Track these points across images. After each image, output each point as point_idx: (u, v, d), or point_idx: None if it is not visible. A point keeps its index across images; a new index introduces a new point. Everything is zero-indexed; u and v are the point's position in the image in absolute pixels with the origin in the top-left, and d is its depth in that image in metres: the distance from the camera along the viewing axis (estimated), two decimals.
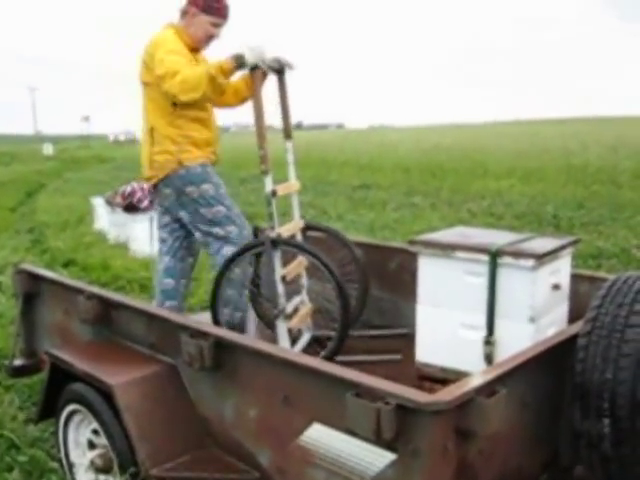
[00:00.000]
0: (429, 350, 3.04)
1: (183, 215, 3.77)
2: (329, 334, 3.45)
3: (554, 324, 2.93)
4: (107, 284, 6.79)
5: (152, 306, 3.09)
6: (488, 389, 1.92)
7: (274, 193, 3.31)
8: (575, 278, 3.17)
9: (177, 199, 3.73)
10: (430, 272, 3.03)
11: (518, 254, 2.76)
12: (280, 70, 3.60)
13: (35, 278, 3.60)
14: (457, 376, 2.72)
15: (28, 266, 3.71)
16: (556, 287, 2.90)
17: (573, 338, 2.36)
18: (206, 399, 2.59)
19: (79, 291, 3.17)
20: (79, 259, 8.07)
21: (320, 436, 2.12)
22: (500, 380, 2.01)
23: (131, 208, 8.77)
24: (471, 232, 3.31)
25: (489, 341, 2.85)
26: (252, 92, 3.40)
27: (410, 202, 12.81)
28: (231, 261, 3.48)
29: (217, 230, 3.72)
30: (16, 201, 15.59)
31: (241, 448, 2.45)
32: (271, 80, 3.62)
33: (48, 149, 44.17)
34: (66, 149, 51.79)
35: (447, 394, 1.84)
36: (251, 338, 2.82)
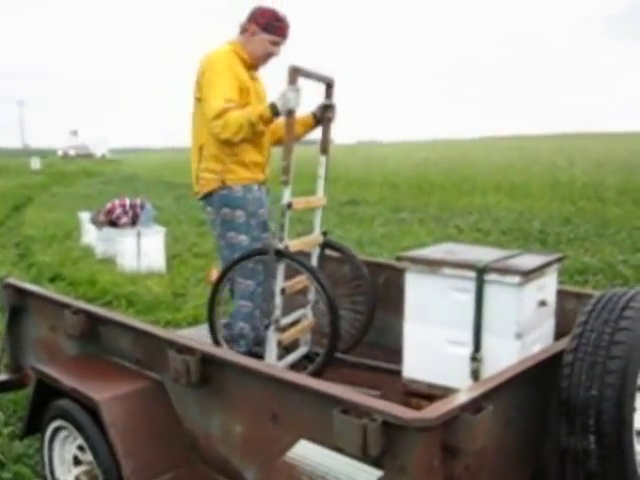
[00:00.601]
0: (416, 366, 3.04)
1: (215, 234, 3.83)
2: (319, 351, 3.46)
3: (540, 340, 2.94)
4: (94, 299, 6.77)
5: (138, 321, 3.08)
6: (474, 406, 1.92)
7: (289, 205, 3.33)
8: (561, 294, 3.19)
9: (215, 218, 3.76)
10: (417, 288, 3.04)
11: (504, 271, 2.77)
12: (329, 84, 3.67)
13: (21, 292, 3.59)
14: (444, 392, 2.72)
15: (14, 280, 3.69)
16: (542, 303, 2.92)
17: (559, 354, 2.37)
18: (192, 415, 2.58)
19: (65, 306, 3.16)
20: (66, 274, 8.05)
21: (307, 453, 2.11)
22: (486, 397, 2.01)
23: (112, 225, 8.79)
24: (458, 248, 3.32)
25: (476, 357, 2.85)
26: (298, 132, 3.65)
27: (398, 217, 12.84)
28: (233, 265, 3.52)
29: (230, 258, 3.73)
30: (3, 215, 15.52)
31: (228, 465, 2.44)
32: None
33: (36, 163, 43.99)
34: (54, 163, 51.63)
35: (433, 411, 1.84)
36: (236, 354, 2.80)
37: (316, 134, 3.85)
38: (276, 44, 3.72)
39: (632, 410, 2.26)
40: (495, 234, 10.52)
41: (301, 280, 3.56)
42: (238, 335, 3.73)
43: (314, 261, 3.81)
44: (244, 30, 3.72)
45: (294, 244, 3.41)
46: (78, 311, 3.07)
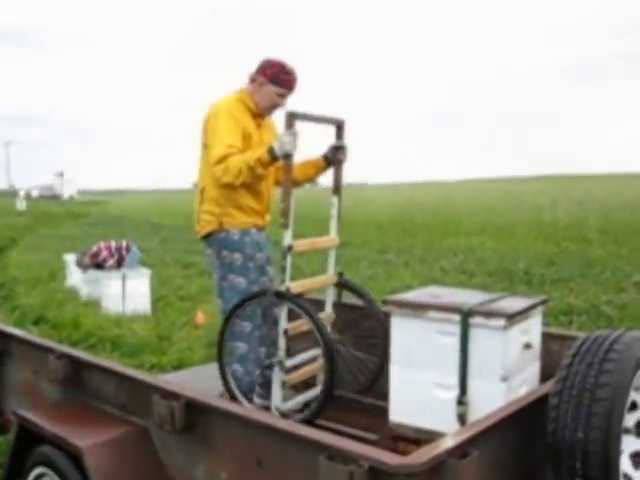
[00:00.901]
0: (403, 410, 3.03)
1: (216, 276, 3.85)
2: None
3: (526, 383, 2.94)
4: (78, 342, 6.73)
5: (122, 366, 3.06)
6: (460, 451, 1.92)
7: (290, 248, 3.36)
8: (546, 337, 3.20)
9: (215, 260, 3.82)
10: (403, 332, 3.04)
11: (489, 314, 2.78)
12: (339, 125, 3.70)
13: (4, 336, 3.56)
14: (431, 436, 2.71)
15: None
16: (527, 346, 2.93)
17: (545, 397, 2.38)
18: (177, 461, 2.55)
19: (49, 350, 3.13)
20: (50, 316, 8.00)
21: None
22: (472, 441, 2.01)
23: (98, 267, 8.76)
24: (443, 292, 3.33)
25: (462, 401, 2.85)
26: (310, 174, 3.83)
27: (384, 259, 12.86)
28: (235, 310, 3.52)
29: (235, 300, 3.71)
30: None
31: None
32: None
33: (21, 204, 43.90)
34: (39, 204, 51.52)
35: (419, 456, 1.84)
36: (222, 400, 2.79)
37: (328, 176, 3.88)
38: (282, 96, 3.79)
39: (618, 452, 2.26)
40: (480, 275, 10.55)
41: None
42: (231, 376, 3.71)
43: (329, 302, 3.81)
44: (252, 80, 3.80)
45: (296, 286, 3.40)
46: (62, 356, 3.04)
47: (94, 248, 8.84)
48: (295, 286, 3.39)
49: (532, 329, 3.01)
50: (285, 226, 3.34)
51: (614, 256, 11.74)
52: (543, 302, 3.12)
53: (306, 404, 3.50)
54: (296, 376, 3.48)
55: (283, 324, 3.37)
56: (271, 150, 3.41)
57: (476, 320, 2.80)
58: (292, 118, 3.34)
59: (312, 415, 3.28)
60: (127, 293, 8.45)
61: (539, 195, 24.67)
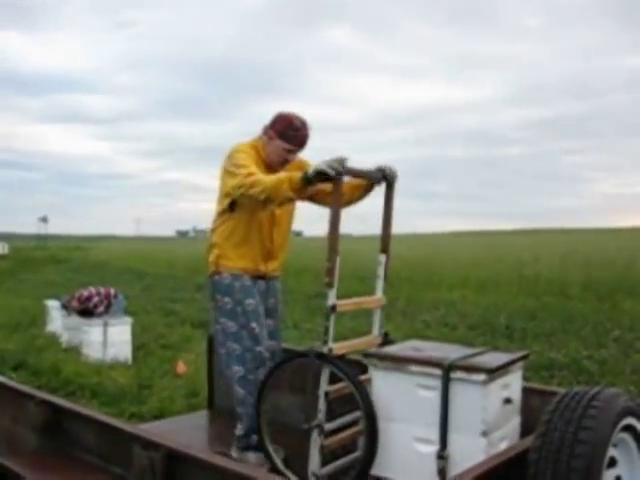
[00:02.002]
0: (383, 463, 3.03)
1: (212, 318, 3.88)
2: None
3: (506, 438, 2.96)
4: (57, 389, 6.65)
5: (102, 414, 3.04)
6: None
7: (334, 308, 3.22)
8: (526, 392, 3.22)
9: (211, 302, 3.86)
10: (384, 385, 3.06)
11: (470, 369, 2.81)
12: (391, 179, 3.60)
13: None
14: None
15: None
16: (508, 401, 2.94)
17: (525, 452, 2.39)
18: None
19: (29, 397, 3.12)
20: (30, 362, 7.90)
21: None
22: None
23: (86, 313, 8.69)
24: (424, 345, 3.36)
25: (442, 455, 2.85)
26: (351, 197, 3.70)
27: (366, 311, 12.81)
28: (276, 369, 3.44)
29: (229, 344, 3.75)
30: None
31: None
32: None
33: (3, 248, 43.65)
34: (21, 248, 51.22)
35: None
36: (204, 451, 2.77)
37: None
38: (291, 152, 3.77)
39: None
40: (462, 329, 10.57)
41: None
42: (239, 402, 3.73)
43: None
44: (265, 133, 3.80)
45: (339, 347, 3.27)
46: (41, 402, 3.03)
47: (85, 293, 8.77)
48: (338, 347, 3.26)
49: (513, 384, 3.03)
50: (330, 285, 3.21)
51: (595, 311, 11.80)
52: (524, 357, 3.15)
53: (344, 470, 3.30)
54: (336, 440, 3.30)
55: (324, 386, 3.24)
56: (306, 173, 3.30)
57: (457, 374, 2.83)
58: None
59: None
60: (108, 340, 8.38)
61: (521, 249, 24.84)
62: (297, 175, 3.33)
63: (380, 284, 3.68)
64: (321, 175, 3.23)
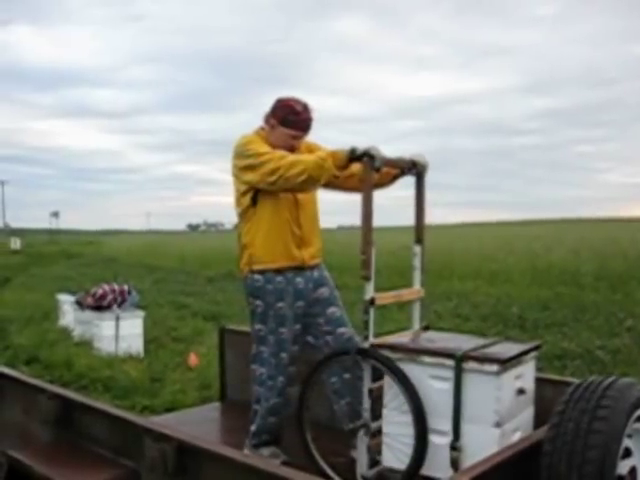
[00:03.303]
0: (395, 455, 3.02)
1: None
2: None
3: (520, 429, 2.93)
4: (69, 383, 6.69)
5: (114, 408, 3.04)
6: None
7: (372, 302, 3.12)
8: (540, 382, 3.19)
9: (247, 303, 3.74)
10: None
11: (483, 359, 2.78)
12: (421, 169, 3.48)
13: None
14: None
15: None
16: (521, 392, 2.92)
17: (538, 444, 2.37)
18: None
19: (40, 390, 3.12)
20: (42, 356, 7.96)
21: None
22: None
23: (99, 309, 8.74)
24: (437, 336, 3.34)
25: (455, 447, 2.83)
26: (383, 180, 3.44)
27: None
28: (318, 367, 3.32)
29: (254, 346, 3.69)
30: None
31: None
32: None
33: (16, 243, 43.93)
34: (33, 243, 51.47)
35: None
36: (213, 443, 2.75)
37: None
38: (296, 138, 3.61)
39: None
40: (474, 320, 10.55)
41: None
42: (255, 399, 3.70)
43: None
44: (266, 122, 3.67)
45: (383, 341, 3.16)
46: (53, 396, 3.03)
47: (99, 290, 8.83)
48: (382, 341, 3.14)
49: (526, 374, 3.00)
50: (367, 278, 3.09)
51: (608, 301, 11.76)
52: (537, 347, 3.12)
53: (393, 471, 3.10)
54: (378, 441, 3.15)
55: (367, 384, 3.11)
56: (352, 149, 3.16)
57: (470, 365, 2.80)
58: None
59: None
60: (120, 334, 8.42)
61: (533, 240, 24.76)
62: (341, 151, 3.22)
63: (417, 275, 3.56)
64: (364, 157, 3.11)
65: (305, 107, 3.60)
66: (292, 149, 3.59)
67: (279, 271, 3.60)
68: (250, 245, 3.63)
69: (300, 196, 3.62)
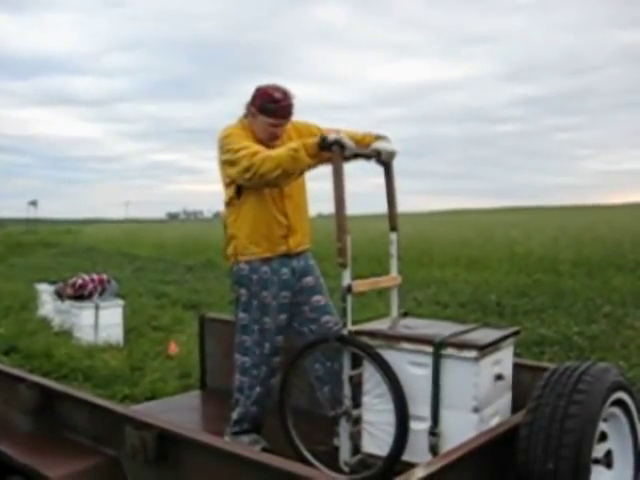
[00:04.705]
0: (374, 441, 3.04)
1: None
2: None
3: (498, 414, 2.96)
4: (50, 373, 6.65)
5: (94, 396, 3.04)
6: None
7: (349, 289, 3.12)
8: (517, 368, 3.22)
9: (231, 291, 3.75)
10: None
11: (461, 345, 2.81)
12: (386, 160, 3.51)
13: None
14: (403, 467, 2.71)
15: None
16: (499, 377, 2.95)
17: (516, 428, 2.40)
18: None
19: (20, 380, 3.11)
20: (22, 346, 7.90)
21: None
22: (443, 471, 2.03)
23: (79, 299, 8.69)
24: (415, 323, 3.36)
25: (434, 432, 2.86)
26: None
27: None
28: (299, 355, 3.31)
29: (238, 335, 3.68)
30: None
31: None
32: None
33: None
34: (11, 233, 51.02)
35: None
36: (196, 431, 2.76)
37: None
38: (275, 126, 3.57)
39: None
40: (453, 307, 10.61)
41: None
42: (237, 388, 3.69)
43: None
44: (248, 110, 3.64)
45: (362, 328, 3.18)
46: (33, 385, 3.02)
47: (79, 281, 8.78)
48: (357, 330, 3.16)
49: (504, 360, 3.04)
50: (343, 265, 3.11)
51: (586, 288, 11.85)
52: (515, 333, 3.15)
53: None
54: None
55: (347, 371, 3.15)
56: (322, 138, 3.18)
57: (448, 351, 2.82)
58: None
59: (380, 473, 2.96)
60: (100, 323, 8.39)
61: (513, 227, 24.88)
62: (311, 140, 3.25)
63: (394, 263, 3.61)
64: (335, 145, 3.13)
65: (285, 94, 3.56)
66: (274, 137, 3.58)
67: (265, 261, 3.60)
68: (236, 236, 3.63)
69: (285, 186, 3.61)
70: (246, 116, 3.67)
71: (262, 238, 3.59)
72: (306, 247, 3.80)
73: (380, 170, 3.58)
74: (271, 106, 3.52)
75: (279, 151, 3.31)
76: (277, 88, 3.57)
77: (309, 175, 3.63)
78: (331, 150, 3.16)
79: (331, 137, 3.16)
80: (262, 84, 3.62)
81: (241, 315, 3.66)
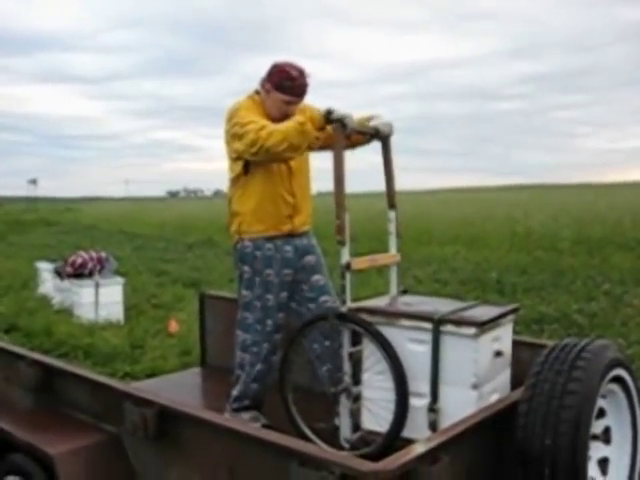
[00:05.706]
0: (374, 418, 3.05)
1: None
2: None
3: (497, 390, 2.97)
4: (50, 351, 6.66)
5: (95, 374, 3.05)
6: (431, 457, 1.94)
7: (348, 266, 3.14)
8: (517, 345, 3.23)
9: (235, 268, 3.74)
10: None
11: (460, 322, 2.81)
12: (384, 136, 3.54)
13: None
14: (403, 443, 2.73)
15: None
16: (498, 354, 2.96)
17: (515, 405, 2.41)
18: (149, 469, 2.56)
19: (20, 357, 3.12)
20: (22, 324, 7.91)
21: None
22: (443, 447, 2.03)
23: (79, 277, 8.69)
24: (415, 300, 3.36)
25: (433, 408, 2.87)
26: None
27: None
28: (298, 333, 3.34)
29: (240, 312, 3.68)
30: None
31: None
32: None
33: None
34: (11, 211, 50.99)
35: (390, 463, 1.86)
36: (196, 407, 2.78)
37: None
38: (290, 103, 3.56)
39: (586, 459, 2.30)
40: (453, 284, 10.61)
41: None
42: (238, 365, 3.70)
43: None
44: (262, 86, 3.63)
45: (363, 305, 3.20)
46: (33, 363, 3.03)
47: (78, 259, 8.77)
48: (357, 307, 3.17)
49: (503, 337, 3.04)
50: (342, 243, 3.14)
51: (585, 266, 11.85)
52: (514, 310, 3.15)
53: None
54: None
55: (347, 348, 3.17)
56: (328, 110, 3.24)
57: (447, 328, 2.83)
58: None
59: (379, 449, 2.94)
60: (100, 301, 8.40)
61: (513, 205, 24.86)
62: (317, 113, 3.30)
63: (393, 241, 3.63)
64: (338, 122, 3.19)
65: (301, 72, 3.56)
66: (286, 114, 3.55)
67: (269, 239, 3.60)
68: (241, 213, 3.62)
69: (293, 164, 3.61)
70: (258, 92, 3.66)
71: (268, 215, 3.59)
72: (309, 226, 3.82)
73: (378, 147, 3.59)
74: (287, 83, 3.52)
75: (286, 124, 3.31)
76: (294, 66, 3.57)
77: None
78: (333, 126, 3.21)
79: (338, 112, 3.20)
80: (279, 61, 3.60)
81: (244, 292, 3.65)
